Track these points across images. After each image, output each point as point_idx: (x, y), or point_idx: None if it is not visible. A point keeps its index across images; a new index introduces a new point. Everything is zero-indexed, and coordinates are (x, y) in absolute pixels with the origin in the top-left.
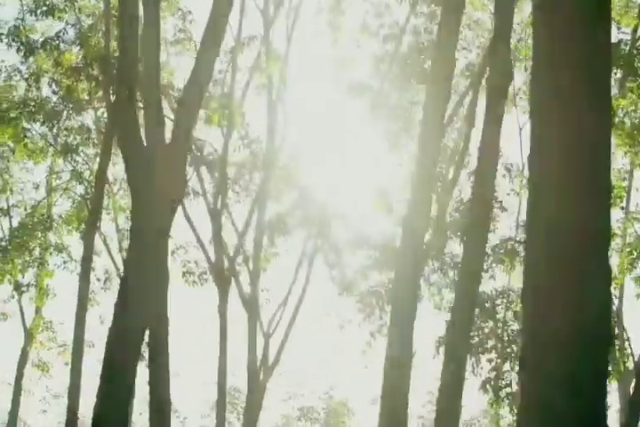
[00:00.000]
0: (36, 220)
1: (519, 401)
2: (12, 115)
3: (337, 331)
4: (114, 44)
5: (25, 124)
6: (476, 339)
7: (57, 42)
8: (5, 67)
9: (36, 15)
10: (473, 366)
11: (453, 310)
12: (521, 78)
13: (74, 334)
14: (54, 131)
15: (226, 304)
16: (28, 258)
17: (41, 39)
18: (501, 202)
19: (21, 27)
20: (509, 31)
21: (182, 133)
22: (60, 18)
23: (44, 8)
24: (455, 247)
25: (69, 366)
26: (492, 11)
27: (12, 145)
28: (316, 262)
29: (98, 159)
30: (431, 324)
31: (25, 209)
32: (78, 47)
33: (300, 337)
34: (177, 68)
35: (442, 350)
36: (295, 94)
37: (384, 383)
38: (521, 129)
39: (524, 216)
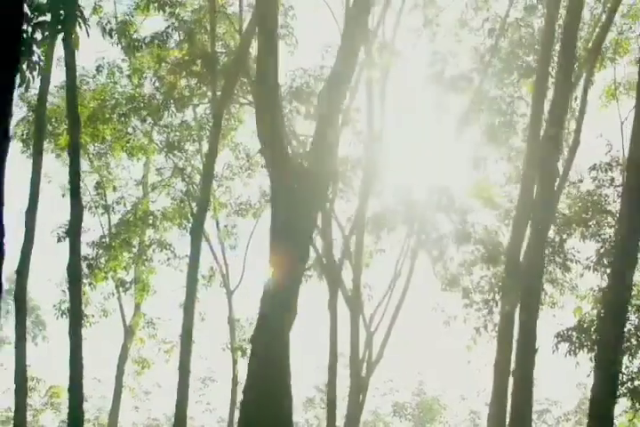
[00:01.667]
0: (137, 216)
1: None
2: (120, 112)
3: (438, 326)
4: (217, 40)
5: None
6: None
7: (164, 38)
8: (107, 63)
9: (147, 10)
10: (591, 359)
11: (605, 308)
12: (621, 72)
13: (182, 330)
14: (156, 127)
15: (336, 300)
16: (129, 255)
17: (142, 36)
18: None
19: (128, 23)
20: None
21: (326, 132)
22: (171, 14)
23: (156, 4)
24: (574, 243)
25: (177, 364)
26: None
27: (110, 141)
28: (419, 257)
29: (199, 156)
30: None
31: (124, 206)
32: (178, 44)
33: (400, 333)
34: None
35: (561, 346)
36: (397, 90)
37: (500, 382)
38: (622, 123)
39: None
